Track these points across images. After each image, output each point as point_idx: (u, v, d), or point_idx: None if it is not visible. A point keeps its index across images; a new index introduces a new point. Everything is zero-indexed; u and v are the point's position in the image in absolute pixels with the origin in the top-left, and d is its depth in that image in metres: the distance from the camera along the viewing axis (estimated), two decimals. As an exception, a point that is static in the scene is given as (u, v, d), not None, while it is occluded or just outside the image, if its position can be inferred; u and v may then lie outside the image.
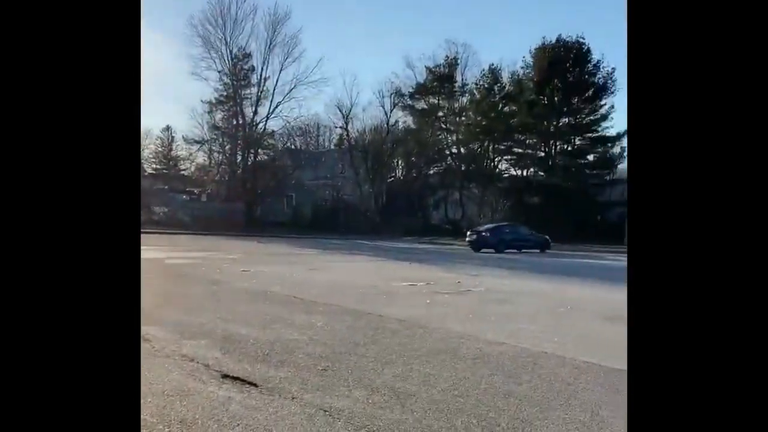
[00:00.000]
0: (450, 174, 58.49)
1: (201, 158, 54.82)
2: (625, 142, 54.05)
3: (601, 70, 53.91)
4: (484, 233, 29.31)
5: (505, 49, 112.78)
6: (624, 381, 4.63)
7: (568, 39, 53.46)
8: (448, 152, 60.98)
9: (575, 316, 8.02)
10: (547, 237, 31.01)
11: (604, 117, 54.33)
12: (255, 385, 4.23)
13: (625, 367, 5.03)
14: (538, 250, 29.40)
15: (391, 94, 57.63)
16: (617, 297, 10.83)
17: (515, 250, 28.53)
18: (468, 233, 30.60)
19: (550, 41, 53.79)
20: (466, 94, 59.97)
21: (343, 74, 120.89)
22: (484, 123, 56.64)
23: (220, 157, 54.32)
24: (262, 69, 51.26)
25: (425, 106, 60.12)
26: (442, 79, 58.53)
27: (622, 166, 59.65)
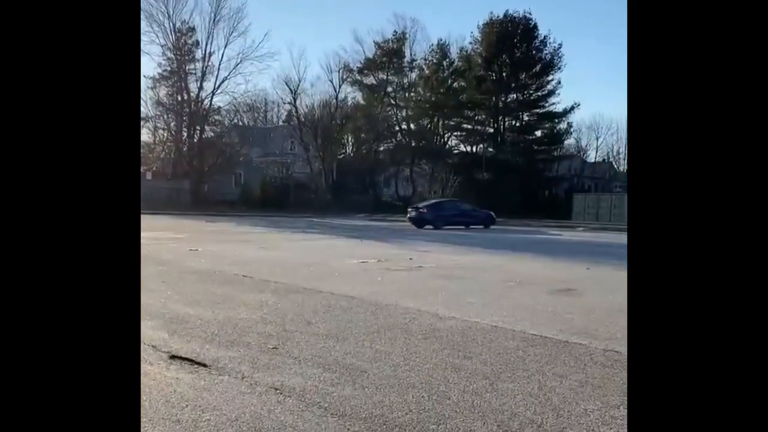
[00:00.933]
0: (400, 150, 58.57)
1: (145, 135, 53.27)
2: (571, 117, 55.21)
3: (548, 45, 54.68)
4: (421, 210, 28.99)
5: (454, 23, 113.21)
6: (570, 352, 4.76)
7: (515, 14, 53.92)
8: (398, 128, 61.01)
9: (524, 290, 8.18)
10: (492, 213, 30.86)
11: (551, 93, 55.25)
12: (204, 365, 4.16)
13: (572, 339, 5.18)
14: (481, 226, 29.23)
15: (340, 69, 57.20)
16: (563, 271, 11.10)
17: (461, 227, 28.37)
18: (408, 210, 30.28)
19: (498, 16, 54.19)
20: (415, 70, 60.01)
21: (290, 48, 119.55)
22: (433, 99, 56.81)
23: (165, 135, 53.02)
24: (206, 43, 50.19)
25: (374, 82, 59.85)
26: (390, 54, 58.31)
27: (569, 141, 61.03)
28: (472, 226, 28.98)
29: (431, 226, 27.60)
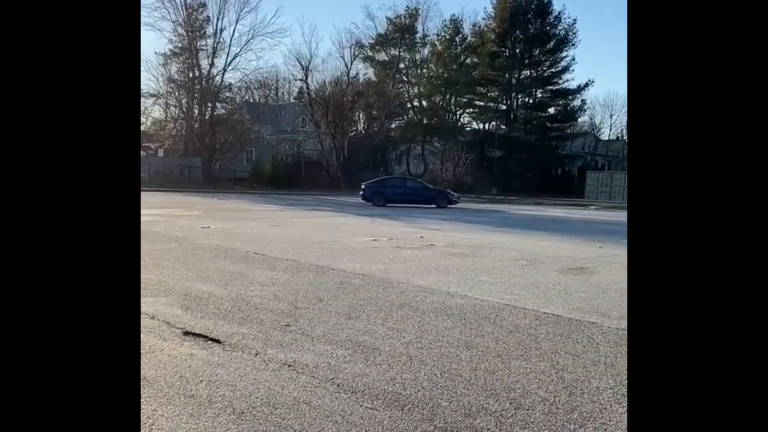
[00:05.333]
0: (412, 128, 58.29)
1: (157, 112, 53.23)
2: (585, 94, 54.69)
3: (563, 21, 54.09)
4: (363, 187, 27.86)
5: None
6: (583, 331, 4.76)
7: (529, -11, 53.13)
8: (409, 105, 60.68)
9: (536, 269, 8.16)
10: (450, 192, 28.72)
11: (565, 69, 54.76)
12: (218, 341, 4.20)
13: (585, 317, 5.16)
14: (433, 206, 26.86)
15: (351, 45, 56.76)
16: (576, 250, 11.06)
17: (407, 205, 26.53)
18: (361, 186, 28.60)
19: (512, -9, 53.38)
20: (428, 46, 59.49)
21: (301, 24, 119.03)
22: (445, 75, 56.39)
23: (177, 111, 52.90)
24: (217, 19, 49.91)
25: (386, 58, 59.46)
26: (402, 30, 57.79)
27: (582, 118, 60.51)
28: (421, 206, 26.77)
29: (370, 203, 26.52)
